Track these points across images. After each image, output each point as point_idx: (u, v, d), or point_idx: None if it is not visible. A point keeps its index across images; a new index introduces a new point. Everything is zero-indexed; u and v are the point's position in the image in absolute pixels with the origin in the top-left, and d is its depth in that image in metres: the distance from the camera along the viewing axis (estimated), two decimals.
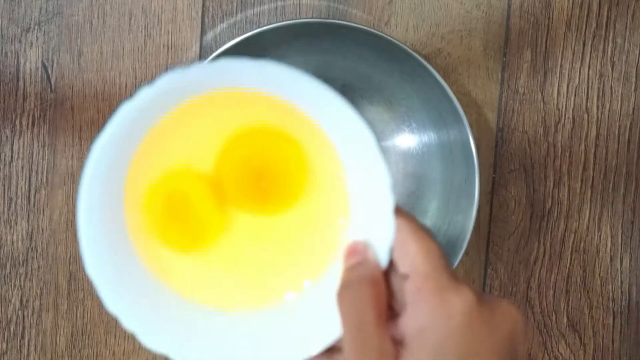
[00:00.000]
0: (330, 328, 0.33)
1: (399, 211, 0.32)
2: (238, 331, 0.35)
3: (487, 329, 0.30)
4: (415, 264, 0.31)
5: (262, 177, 0.36)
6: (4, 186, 0.60)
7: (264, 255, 0.37)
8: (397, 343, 0.31)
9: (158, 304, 0.35)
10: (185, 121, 0.35)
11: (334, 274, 0.35)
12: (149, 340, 0.33)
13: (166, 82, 0.31)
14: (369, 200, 0.33)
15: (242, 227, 0.36)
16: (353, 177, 0.35)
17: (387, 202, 0.32)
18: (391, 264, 0.33)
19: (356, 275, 0.32)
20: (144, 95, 0.31)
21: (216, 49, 0.55)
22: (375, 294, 0.31)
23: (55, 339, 0.61)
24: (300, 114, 0.34)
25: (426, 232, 0.32)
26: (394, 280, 0.33)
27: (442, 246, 0.32)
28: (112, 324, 0.61)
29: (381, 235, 0.32)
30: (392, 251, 0.32)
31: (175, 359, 0.33)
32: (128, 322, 0.34)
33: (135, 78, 0.60)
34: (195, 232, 0.36)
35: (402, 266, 0.32)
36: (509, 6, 0.60)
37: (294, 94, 0.33)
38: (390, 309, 0.33)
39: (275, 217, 0.36)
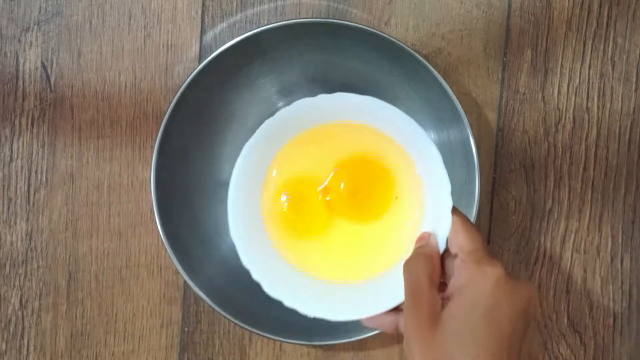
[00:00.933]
0: (399, 296, 0.45)
1: (455, 210, 0.44)
2: (330, 294, 0.49)
3: (510, 293, 0.40)
4: (461, 245, 0.42)
5: (359, 193, 0.50)
6: (4, 186, 0.60)
7: (355, 248, 0.50)
8: (445, 299, 0.41)
9: (277, 268, 0.49)
10: (310, 143, 0.49)
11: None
12: (270, 289, 0.47)
13: (300, 104, 0.45)
14: (436, 204, 0.45)
15: (341, 228, 0.50)
16: (427, 187, 0.47)
17: (447, 204, 0.44)
18: (447, 250, 0.44)
19: (418, 252, 0.44)
20: (281, 113, 0.46)
21: (216, 49, 0.55)
22: (430, 265, 0.43)
23: (55, 340, 0.61)
24: (393, 142, 0.47)
25: (473, 226, 0.44)
26: (448, 263, 0.44)
27: (484, 236, 0.42)
28: (111, 324, 0.61)
29: (442, 228, 0.44)
30: (448, 240, 0.44)
31: (288, 305, 0.47)
32: (257, 275, 0.47)
33: (135, 78, 0.60)
34: (308, 223, 0.50)
35: (453, 248, 0.43)
36: (510, 6, 0.59)
37: (384, 124, 0.46)
38: (443, 286, 0.43)
39: (366, 224, 0.50)
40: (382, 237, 0.49)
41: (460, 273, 0.42)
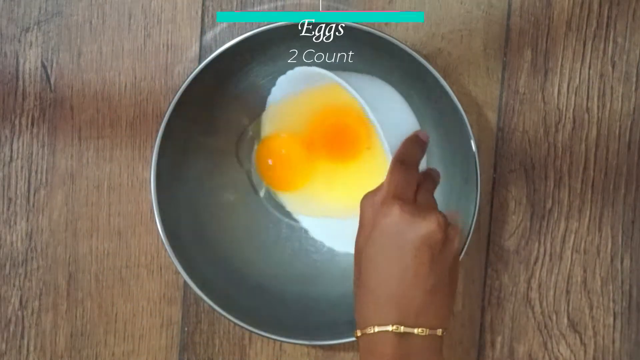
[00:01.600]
0: None
1: (400, 149, 0.51)
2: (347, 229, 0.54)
3: (408, 226, 0.46)
4: (382, 186, 0.49)
5: (337, 137, 0.58)
6: (3, 186, 0.60)
7: (337, 190, 0.58)
8: None
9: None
10: (291, 104, 0.58)
11: None
12: (315, 234, 0.60)
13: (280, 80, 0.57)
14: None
15: (325, 170, 0.58)
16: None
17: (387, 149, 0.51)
18: None
19: (374, 188, 0.50)
20: (281, 80, 0.57)
21: (216, 49, 0.55)
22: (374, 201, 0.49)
23: (55, 340, 0.61)
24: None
25: (396, 169, 0.49)
26: None
27: (411, 177, 0.49)
28: (111, 324, 0.61)
29: None
30: None
31: (328, 245, 0.60)
32: (304, 223, 0.61)
33: (135, 78, 0.60)
34: (290, 178, 0.58)
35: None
36: (510, 6, 0.59)
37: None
38: None
39: (345, 165, 0.58)
40: (366, 175, 0.56)
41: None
